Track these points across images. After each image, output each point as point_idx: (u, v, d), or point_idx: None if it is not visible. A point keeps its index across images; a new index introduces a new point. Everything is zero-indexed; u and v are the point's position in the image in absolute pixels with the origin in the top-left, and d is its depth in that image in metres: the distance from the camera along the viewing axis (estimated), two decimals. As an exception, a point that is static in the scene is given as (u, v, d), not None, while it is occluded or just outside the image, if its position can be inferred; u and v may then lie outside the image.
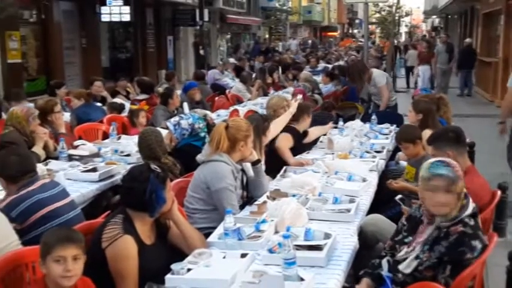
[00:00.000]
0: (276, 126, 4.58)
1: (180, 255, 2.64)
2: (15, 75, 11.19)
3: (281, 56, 18.35)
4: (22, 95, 6.53)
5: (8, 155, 3.08)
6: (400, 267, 2.52)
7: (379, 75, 7.35)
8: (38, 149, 4.44)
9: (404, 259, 2.54)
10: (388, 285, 2.50)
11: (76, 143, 4.95)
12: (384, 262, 2.62)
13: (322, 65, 15.88)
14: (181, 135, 4.67)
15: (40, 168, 3.70)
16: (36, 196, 2.98)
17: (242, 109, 7.62)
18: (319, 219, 3.09)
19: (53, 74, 12.29)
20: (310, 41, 32.76)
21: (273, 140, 4.64)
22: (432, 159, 2.63)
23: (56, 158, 4.51)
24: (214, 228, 2.99)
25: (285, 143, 4.71)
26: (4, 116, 5.11)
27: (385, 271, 2.58)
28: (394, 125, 6.00)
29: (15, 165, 3.04)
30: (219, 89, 10.64)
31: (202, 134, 4.66)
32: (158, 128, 5.20)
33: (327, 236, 2.71)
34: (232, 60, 17.13)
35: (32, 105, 5.54)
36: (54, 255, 2.17)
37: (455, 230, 2.45)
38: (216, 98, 9.23)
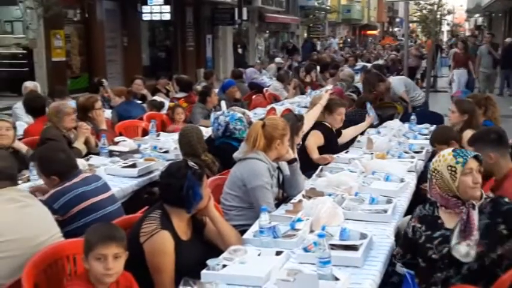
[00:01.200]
0: (307, 120, 4.58)
1: (216, 251, 2.67)
2: (59, 73, 11.54)
3: (319, 55, 18.25)
4: (65, 92, 6.71)
5: (55, 152, 3.15)
6: (461, 258, 2.47)
7: (396, 84, 7.41)
8: (79, 144, 4.56)
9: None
10: (410, 283, 2.48)
11: (117, 139, 5.06)
12: (400, 268, 2.62)
13: (360, 63, 15.70)
14: (216, 130, 4.70)
15: (81, 163, 3.81)
16: (79, 189, 3.06)
17: (279, 108, 7.63)
18: (355, 219, 3.07)
19: (96, 71, 12.60)
20: (349, 40, 32.45)
21: (304, 138, 4.64)
22: (447, 150, 2.66)
23: (97, 154, 4.63)
24: (250, 225, 3.01)
25: (314, 139, 4.71)
26: (48, 112, 5.27)
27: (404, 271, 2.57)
28: (434, 125, 5.89)
29: (63, 161, 3.12)
30: (257, 87, 10.67)
31: (240, 139, 4.61)
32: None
33: (363, 236, 2.69)
34: (278, 59, 17.13)
35: (73, 102, 5.70)
36: (95, 253, 2.22)
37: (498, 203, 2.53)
38: (254, 97, 9.26)
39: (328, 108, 4.98)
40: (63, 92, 6.53)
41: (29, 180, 3.78)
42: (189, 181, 2.64)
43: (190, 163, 2.74)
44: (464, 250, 2.45)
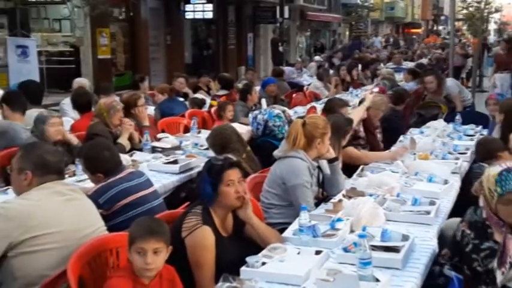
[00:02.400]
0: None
1: (256, 248, 2.68)
2: (105, 70, 11.82)
3: (360, 53, 18.05)
4: (111, 89, 6.84)
5: (101, 150, 3.22)
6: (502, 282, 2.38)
7: (451, 85, 7.17)
8: (123, 140, 4.65)
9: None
10: (456, 286, 2.42)
11: (159, 135, 5.15)
12: (448, 271, 2.55)
13: (406, 62, 15.43)
14: (256, 129, 4.71)
15: (125, 158, 3.88)
16: (123, 184, 3.12)
17: (320, 106, 7.58)
18: (396, 220, 3.02)
19: (139, 69, 12.85)
20: (391, 39, 31.93)
21: None
22: (497, 169, 2.47)
23: (140, 150, 4.72)
24: (289, 224, 3.00)
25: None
26: (93, 108, 5.40)
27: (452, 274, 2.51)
28: (480, 126, 5.74)
29: (108, 160, 3.19)
30: (296, 86, 10.65)
31: (280, 136, 4.61)
32: (237, 123, 5.30)
33: (405, 237, 2.65)
34: (318, 57, 17.05)
35: (117, 99, 5.82)
36: (136, 247, 2.25)
37: None
38: (294, 95, 9.24)
39: (331, 110, 4.88)
40: (108, 89, 6.67)
41: (74, 174, 3.89)
42: (203, 175, 2.70)
43: (219, 157, 2.75)
44: (499, 278, 2.36)
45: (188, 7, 14.81)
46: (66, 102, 6.19)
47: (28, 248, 2.36)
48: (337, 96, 8.82)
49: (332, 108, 5.01)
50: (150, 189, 3.29)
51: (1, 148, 4.17)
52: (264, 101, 6.69)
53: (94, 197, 2.95)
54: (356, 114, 4.76)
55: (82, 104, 5.45)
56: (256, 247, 2.72)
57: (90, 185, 3.33)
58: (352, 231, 2.81)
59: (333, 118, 4.17)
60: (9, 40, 9.95)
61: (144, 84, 7.86)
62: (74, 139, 4.40)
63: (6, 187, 3.54)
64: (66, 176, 3.49)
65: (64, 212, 2.50)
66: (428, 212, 3.09)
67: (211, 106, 7.26)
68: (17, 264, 2.36)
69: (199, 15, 14.99)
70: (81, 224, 2.56)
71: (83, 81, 7.14)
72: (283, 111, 5.41)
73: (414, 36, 41.80)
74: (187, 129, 6.08)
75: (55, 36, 13.33)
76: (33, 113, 4.90)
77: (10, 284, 2.36)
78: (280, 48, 18.71)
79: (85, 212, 2.64)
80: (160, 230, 2.32)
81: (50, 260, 2.40)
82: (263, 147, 4.45)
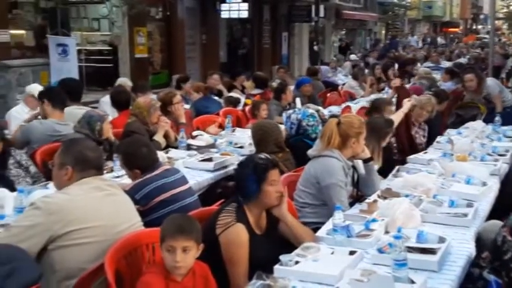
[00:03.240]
0: None
1: (290, 247, 2.68)
2: (142, 69, 12.00)
3: (396, 53, 17.79)
4: (147, 87, 6.96)
5: (138, 147, 3.28)
6: None
7: (491, 85, 7.01)
8: (159, 137, 4.72)
9: None
10: None
11: (194, 133, 5.21)
12: (487, 275, 2.48)
13: (444, 62, 15.13)
14: (290, 128, 4.71)
15: (161, 155, 3.94)
16: (159, 181, 3.17)
17: (354, 106, 7.52)
18: (432, 222, 2.98)
19: (175, 68, 13.01)
20: (429, 38, 31.34)
21: None
22: None
23: (176, 147, 4.78)
24: (323, 223, 2.99)
25: None
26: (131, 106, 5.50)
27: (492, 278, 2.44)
28: (520, 128, 5.59)
29: (145, 156, 3.25)
30: (331, 85, 10.58)
31: (313, 135, 4.58)
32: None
33: (441, 239, 2.60)
34: (353, 56, 16.88)
35: (155, 97, 5.91)
36: (166, 244, 2.28)
37: None
38: (328, 94, 9.19)
39: (377, 109, 4.84)
40: (145, 87, 6.78)
41: (112, 170, 3.97)
42: (248, 173, 2.71)
43: (261, 156, 2.76)
44: None
45: (224, 6, 14.90)
46: (105, 100, 6.32)
47: (67, 242, 2.41)
48: (372, 96, 8.76)
49: (378, 107, 4.97)
50: (186, 186, 3.33)
51: (19, 147, 4.29)
52: (298, 100, 6.68)
53: (131, 192, 3.00)
54: (395, 118, 4.68)
55: (121, 101, 5.56)
56: (289, 245, 2.73)
57: (127, 181, 3.39)
58: (387, 232, 2.78)
59: (373, 119, 4.14)
60: (50, 39, 10.22)
61: (187, 85, 7.95)
62: (111, 136, 4.50)
63: (47, 182, 3.65)
64: (105, 172, 3.57)
65: (102, 207, 2.55)
66: (465, 215, 3.03)
67: (245, 105, 7.29)
68: (56, 257, 2.41)
69: (234, 15, 15.06)
70: (119, 219, 2.61)
71: (125, 81, 7.27)
72: (317, 111, 5.39)
73: (452, 35, 40.93)
74: (222, 128, 6.12)
75: (94, 35, 13.58)
76: (73, 109, 5.03)
77: (50, 277, 2.42)
78: (315, 47, 18.61)
79: (122, 208, 2.68)
80: (190, 228, 2.32)
81: (88, 253, 2.45)
82: (297, 147, 4.44)
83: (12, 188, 3.47)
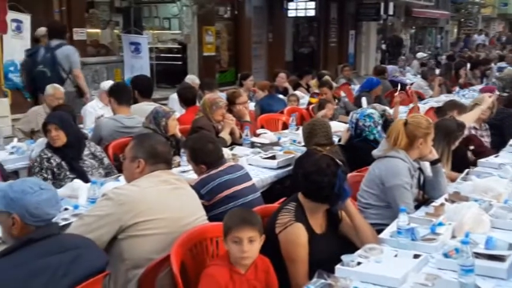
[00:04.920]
0: (465, 122, 4.33)
1: (350, 247, 2.67)
2: (209, 67, 12.23)
3: (466, 52, 17.10)
4: (214, 85, 7.09)
5: (205, 143, 3.36)
6: None
7: None
8: (225, 134, 4.81)
9: None
10: None
11: (258, 131, 5.26)
12: None
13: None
14: (351, 127, 4.66)
15: (226, 152, 4.01)
16: (223, 177, 3.24)
17: (423, 106, 7.32)
18: (503, 228, 2.86)
19: (242, 66, 13.16)
20: (504, 37, 29.86)
21: None
22: None
23: (240, 144, 4.85)
24: (386, 225, 2.94)
25: None
26: (198, 103, 5.64)
27: None
28: None
29: (211, 152, 3.33)
30: (398, 85, 10.33)
31: (371, 137, 4.48)
32: (336, 122, 5.28)
33: (511, 246, 2.51)
34: (421, 54, 16.40)
35: (223, 94, 6.02)
36: (232, 236, 2.33)
37: None
38: (395, 94, 8.97)
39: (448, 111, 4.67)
40: (212, 85, 6.91)
41: (179, 165, 4.10)
42: (340, 179, 2.65)
43: (338, 160, 2.74)
44: None
45: (291, 5, 14.90)
46: (174, 96, 6.50)
47: (136, 232, 2.50)
48: (442, 96, 8.48)
49: (451, 108, 4.81)
50: (249, 183, 3.38)
51: (96, 142, 4.50)
52: (364, 100, 6.58)
53: (197, 187, 3.08)
54: (470, 117, 4.51)
55: (187, 98, 5.70)
56: (349, 246, 2.71)
57: (193, 176, 3.48)
58: (453, 236, 2.71)
59: (444, 121, 4.02)
60: (124, 37, 10.63)
61: (247, 82, 8.05)
62: (178, 133, 4.63)
63: (118, 174, 3.82)
64: (172, 166, 3.69)
65: (170, 199, 2.63)
66: (539, 222, 2.90)
67: (309, 103, 7.28)
68: (125, 247, 2.51)
69: (301, 13, 15.03)
70: (184, 212, 2.68)
71: (193, 78, 7.45)
72: (384, 111, 5.30)
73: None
74: (285, 126, 6.16)
75: (164, 34, 13.97)
76: (142, 105, 5.22)
77: (119, 265, 2.52)
78: (383, 46, 18.24)
79: (188, 201, 2.76)
80: (253, 219, 2.39)
81: (155, 244, 2.53)
82: (358, 147, 4.38)
83: (85, 179, 3.66)
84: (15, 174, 4.28)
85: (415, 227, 2.69)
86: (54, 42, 6.36)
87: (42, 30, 6.87)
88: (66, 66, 6.31)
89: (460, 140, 4.17)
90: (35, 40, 7.26)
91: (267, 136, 5.09)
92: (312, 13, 15.01)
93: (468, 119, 4.45)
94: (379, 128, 4.45)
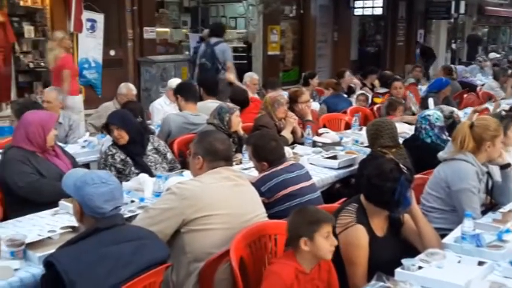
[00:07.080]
0: None
1: (411, 251, 2.62)
2: (273, 66, 12.27)
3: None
4: (277, 84, 7.14)
5: (268, 140, 3.39)
6: None
7: None
8: (287, 133, 4.83)
9: None
10: None
11: (320, 130, 5.24)
12: None
13: None
14: (414, 129, 4.55)
15: (287, 151, 4.04)
16: (284, 175, 3.26)
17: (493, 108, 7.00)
18: None
19: (306, 65, 13.11)
20: None
21: None
22: None
23: (302, 144, 4.85)
24: (450, 230, 2.87)
25: None
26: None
27: None
28: None
29: (274, 150, 3.36)
30: (468, 86, 9.96)
31: (427, 140, 4.34)
32: (399, 122, 5.17)
33: None
34: (493, 54, 15.70)
35: (285, 93, 6.04)
36: (323, 232, 2.35)
37: None
38: (465, 95, 8.67)
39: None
40: (275, 84, 6.96)
41: (241, 162, 4.16)
42: (402, 186, 2.59)
43: (402, 166, 2.69)
44: None
45: (357, 3, 14.67)
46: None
47: (198, 226, 2.57)
48: (516, 98, 8.10)
49: None
50: (309, 183, 3.38)
51: (164, 138, 4.66)
52: (431, 101, 6.40)
53: (257, 185, 3.12)
54: None
55: (239, 101, 5.66)
56: (410, 250, 2.66)
57: (254, 173, 3.52)
58: (522, 245, 2.60)
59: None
60: (192, 36, 10.87)
61: (314, 81, 8.05)
62: (241, 130, 4.70)
63: (182, 169, 3.93)
64: (234, 163, 3.75)
65: (231, 196, 2.68)
66: None
67: (373, 103, 7.16)
68: (187, 240, 2.58)
69: (368, 12, 14.77)
70: (245, 208, 2.73)
71: (252, 75, 7.49)
72: (452, 112, 5.13)
73: None
74: (348, 126, 6.10)
75: (231, 33, 14.13)
76: (207, 103, 5.34)
77: (180, 258, 2.59)
78: (453, 46, 17.61)
79: (248, 198, 2.80)
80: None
81: (215, 239, 2.59)
82: (422, 148, 4.27)
83: (150, 174, 3.78)
84: (86, 167, 4.50)
85: (480, 233, 2.61)
86: (214, 40, 7.51)
87: (206, 31, 8.38)
88: (222, 60, 7.36)
89: None
90: (201, 39, 8.79)
91: (329, 136, 5.06)
92: (379, 11, 14.71)
93: None
94: (436, 130, 4.33)
